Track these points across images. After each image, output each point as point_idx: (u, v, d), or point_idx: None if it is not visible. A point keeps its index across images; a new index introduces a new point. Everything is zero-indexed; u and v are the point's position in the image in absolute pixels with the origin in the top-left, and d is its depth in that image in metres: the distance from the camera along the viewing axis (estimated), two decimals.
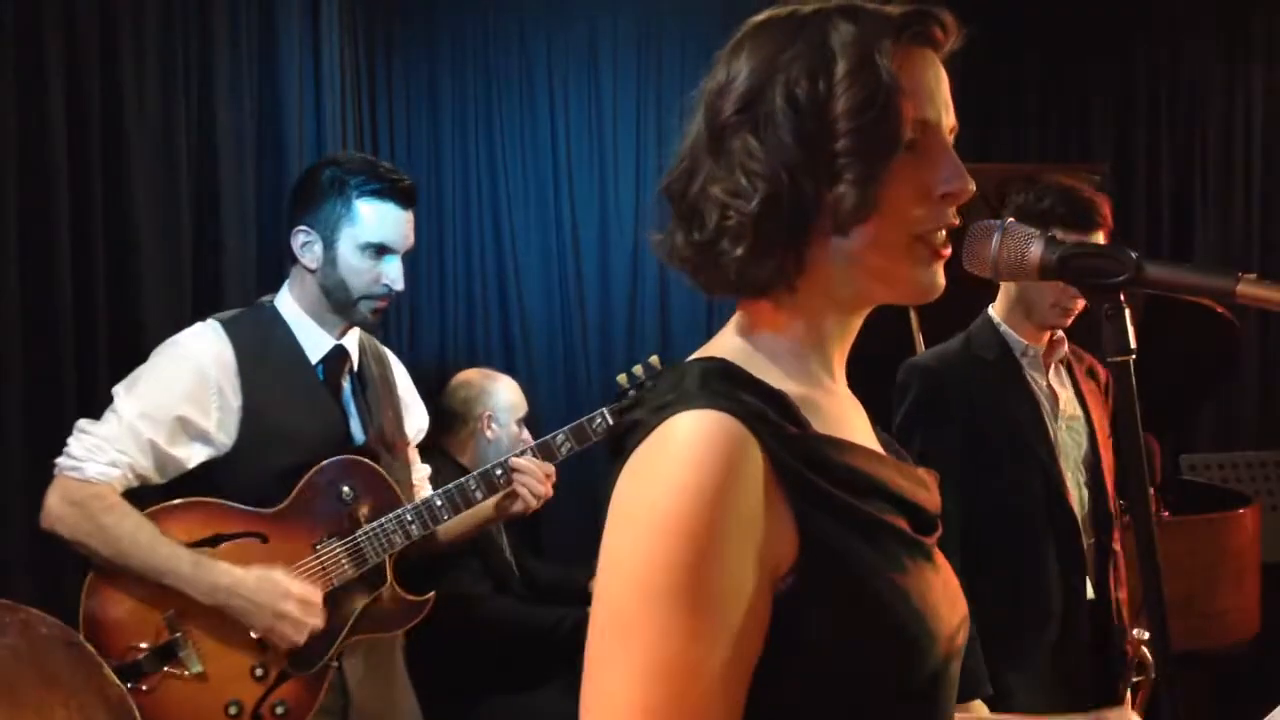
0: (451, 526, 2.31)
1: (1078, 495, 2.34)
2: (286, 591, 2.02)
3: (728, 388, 0.89)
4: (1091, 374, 2.46)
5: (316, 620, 2.05)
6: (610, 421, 2.32)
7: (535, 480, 2.29)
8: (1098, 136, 4.93)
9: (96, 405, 2.85)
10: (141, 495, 2.07)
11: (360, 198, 2.12)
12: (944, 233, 0.96)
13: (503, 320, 4.28)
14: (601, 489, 0.91)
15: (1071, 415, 2.38)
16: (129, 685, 1.92)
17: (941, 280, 0.98)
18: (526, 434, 3.19)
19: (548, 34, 4.29)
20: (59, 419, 2.79)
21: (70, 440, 2.04)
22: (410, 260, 2.28)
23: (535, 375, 4.19)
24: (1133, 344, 0.95)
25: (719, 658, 0.82)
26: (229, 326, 2.12)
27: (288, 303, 2.19)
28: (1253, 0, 4.91)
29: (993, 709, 2.04)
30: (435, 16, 4.21)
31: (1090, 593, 2.32)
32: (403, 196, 2.16)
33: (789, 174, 0.91)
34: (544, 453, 2.34)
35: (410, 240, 2.20)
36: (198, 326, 2.14)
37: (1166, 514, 3.61)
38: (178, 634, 2.01)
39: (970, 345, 2.38)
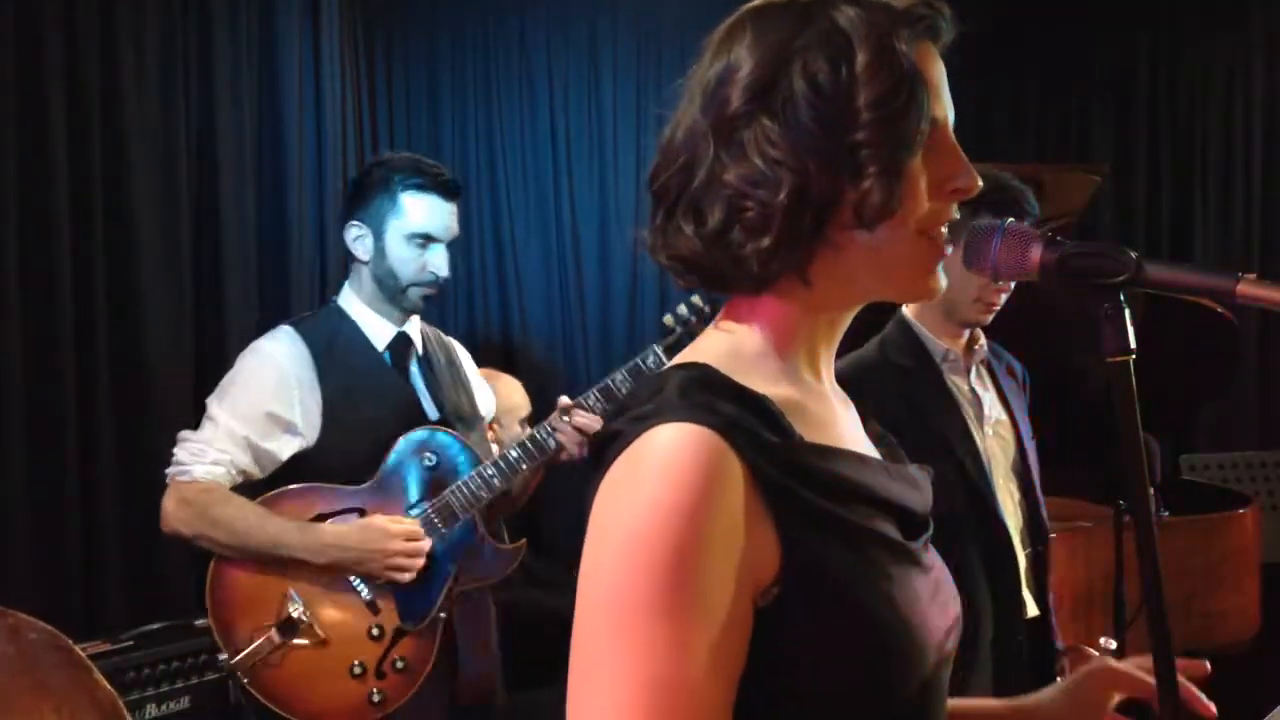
0: (525, 477, 2.42)
1: (1011, 506, 2.20)
2: (389, 532, 2.20)
3: (708, 397, 0.86)
4: (1011, 373, 2.34)
5: (424, 549, 2.23)
6: (664, 359, 2.33)
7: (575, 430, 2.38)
8: (1098, 136, 4.93)
9: (97, 405, 2.87)
10: (244, 490, 2.25)
11: (404, 191, 2.29)
12: (945, 229, 0.96)
13: (503, 320, 4.27)
14: (586, 495, 0.89)
15: (997, 420, 2.25)
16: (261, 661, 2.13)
17: (943, 282, 0.97)
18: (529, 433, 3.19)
19: (548, 34, 4.28)
20: (59, 419, 2.79)
21: (175, 450, 2.22)
22: None
23: (535, 375, 4.18)
24: (1133, 344, 0.95)
25: (702, 673, 0.81)
26: (299, 327, 2.31)
27: (349, 298, 2.37)
28: (1253, 0, 4.91)
29: None
30: (435, 16, 4.21)
31: (1032, 608, 2.20)
32: (445, 189, 2.33)
33: (815, 163, 0.89)
34: (605, 395, 2.41)
35: (454, 230, 2.36)
36: (272, 332, 2.32)
37: (1166, 514, 3.61)
38: (297, 607, 2.18)
39: (886, 351, 2.21)
